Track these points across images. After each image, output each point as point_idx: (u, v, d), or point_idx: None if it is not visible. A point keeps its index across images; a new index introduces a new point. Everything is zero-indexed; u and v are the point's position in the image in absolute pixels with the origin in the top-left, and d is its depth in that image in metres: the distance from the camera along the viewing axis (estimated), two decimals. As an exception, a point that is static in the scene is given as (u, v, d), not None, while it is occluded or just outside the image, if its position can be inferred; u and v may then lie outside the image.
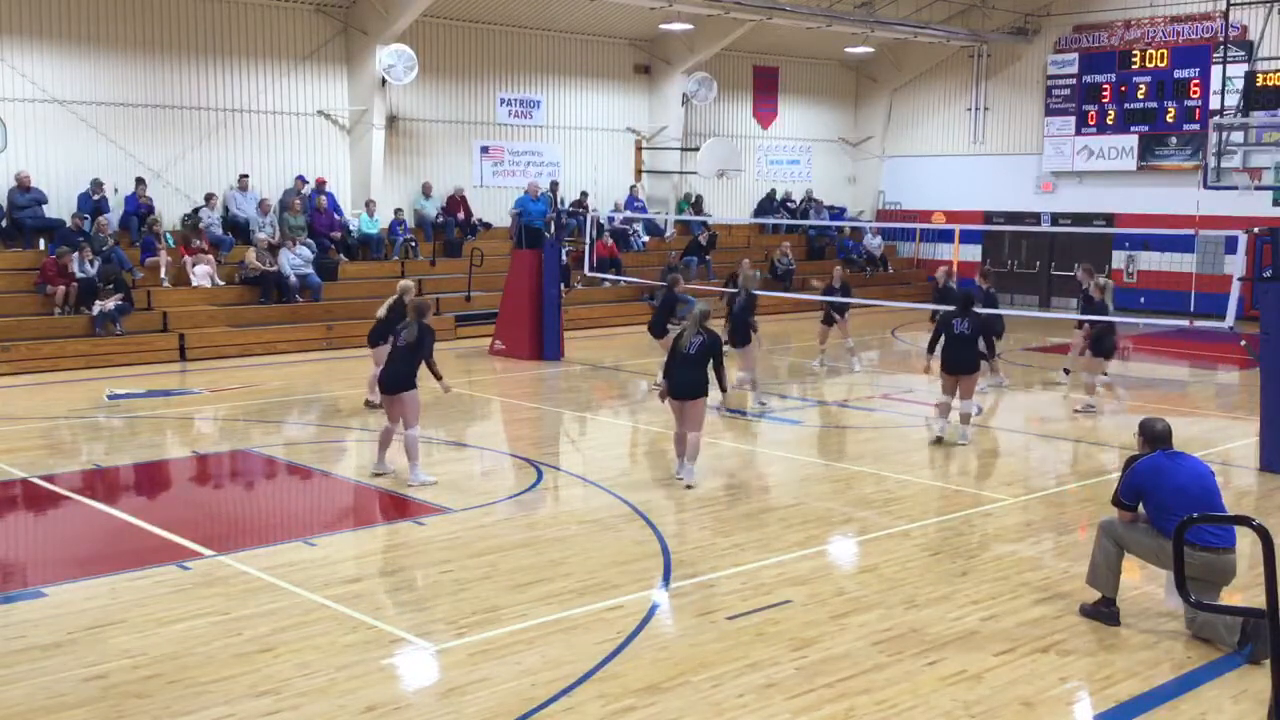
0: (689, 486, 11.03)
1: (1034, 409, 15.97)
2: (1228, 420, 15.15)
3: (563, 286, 20.46)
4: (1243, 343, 17.64)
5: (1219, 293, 17.67)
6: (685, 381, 11.09)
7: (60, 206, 20.09)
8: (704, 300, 12.41)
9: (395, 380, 11.05)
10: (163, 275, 20.02)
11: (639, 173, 28.20)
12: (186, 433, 14.11)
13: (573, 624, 7.53)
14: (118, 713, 6.23)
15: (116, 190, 20.78)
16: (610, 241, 25.57)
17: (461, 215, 24.65)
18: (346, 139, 23.64)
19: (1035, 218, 29.12)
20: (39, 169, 19.91)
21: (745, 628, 7.48)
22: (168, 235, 20.86)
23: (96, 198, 20.11)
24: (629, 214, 26.96)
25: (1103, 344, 15.49)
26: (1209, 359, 20.88)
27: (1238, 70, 22.52)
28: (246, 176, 22.05)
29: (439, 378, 11.39)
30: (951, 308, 13.64)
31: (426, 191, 24.58)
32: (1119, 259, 28.31)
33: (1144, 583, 8.25)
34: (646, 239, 27.73)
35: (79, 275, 18.65)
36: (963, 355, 13.15)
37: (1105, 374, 15.96)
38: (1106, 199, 28.16)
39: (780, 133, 31.26)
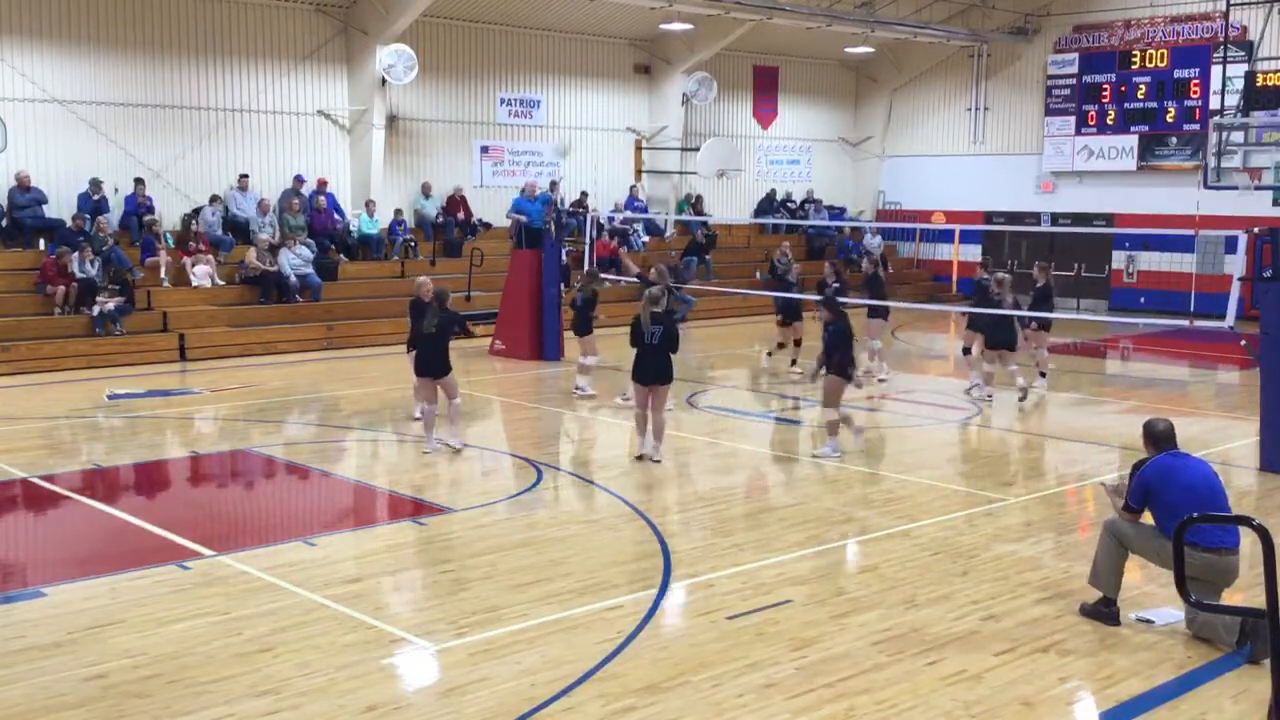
0: (656, 461, 11.84)
1: (1033, 408, 15.94)
2: (1228, 420, 15.15)
3: (563, 286, 20.46)
4: (1243, 343, 17.66)
5: (1219, 293, 17.67)
6: (653, 369, 11.88)
7: (60, 206, 20.10)
8: (656, 287, 12.89)
9: (431, 366, 12.16)
10: (163, 275, 20.02)
11: (639, 173, 28.20)
12: (186, 433, 14.10)
13: (573, 624, 7.53)
14: (118, 712, 6.23)
15: (117, 190, 20.79)
16: (612, 242, 25.55)
17: (461, 215, 24.65)
18: (346, 139, 23.64)
19: (1035, 218, 29.12)
20: (39, 169, 19.91)
21: (745, 628, 7.48)
22: (167, 235, 20.87)
23: (96, 197, 20.09)
24: (628, 214, 26.95)
25: (997, 336, 15.53)
26: (1209, 359, 20.88)
27: (1238, 70, 22.52)
28: (246, 176, 22.05)
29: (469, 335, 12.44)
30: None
31: (426, 191, 24.58)
32: (1119, 259, 28.31)
33: (1144, 583, 8.25)
34: (646, 239, 27.73)
35: (79, 275, 18.66)
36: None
37: (1015, 365, 15.85)
38: (1107, 199, 28.15)
39: (780, 133, 31.26)
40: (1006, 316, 15.60)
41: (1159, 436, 7.80)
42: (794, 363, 18.01)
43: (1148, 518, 7.75)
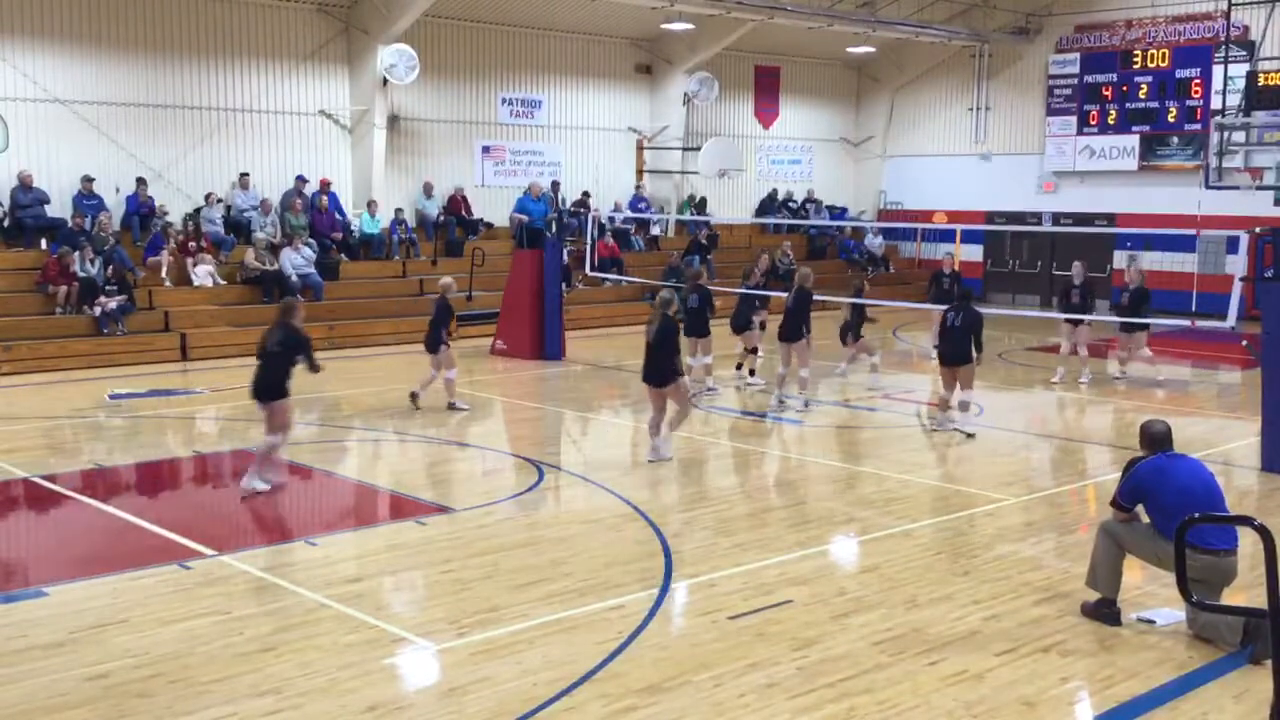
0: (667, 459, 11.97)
1: (1034, 409, 15.96)
2: (1229, 420, 15.14)
3: (564, 286, 20.46)
4: (1244, 343, 17.66)
5: (1221, 293, 17.65)
6: (653, 370, 11.98)
7: (62, 206, 20.11)
8: (666, 290, 12.85)
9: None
10: (164, 275, 20.02)
11: (640, 172, 28.21)
12: (188, 432, 14.11)
13: (574, 624, 7.53)
14: (119, 712, 6.23)
15: (119, 190, 20.80)
16: (612, 241, 25.60)
17: (463, 214, 24.64)
18: (348, 139, 23.64)
19: (1037, 218, 29.12)
20: (41, 168, 19.92)
21: (746, 627, 7.48)
22: (173, 225, 20.87)
23: (88, 199, 19.95)
24: (631, 214, 26.96)
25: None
26: (1210, 359, 20.87)
27: (1239, 70, 22.49)
28: (247, 175, 22.06)
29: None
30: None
31: (428, 191, 24.59)
32: (1120, 259, 28.28)
33: (1145, 583, 8.24)
34: (657, 232, 27.82)
35: (80, 275, 18.66)
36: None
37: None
38: (1108, 199, 28.15)
39: (781, 132, 31.27)
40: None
41: (1155, 438, 7.80)
42: (751, 373, 17.11)
43: (1146, 518, 7.75)
